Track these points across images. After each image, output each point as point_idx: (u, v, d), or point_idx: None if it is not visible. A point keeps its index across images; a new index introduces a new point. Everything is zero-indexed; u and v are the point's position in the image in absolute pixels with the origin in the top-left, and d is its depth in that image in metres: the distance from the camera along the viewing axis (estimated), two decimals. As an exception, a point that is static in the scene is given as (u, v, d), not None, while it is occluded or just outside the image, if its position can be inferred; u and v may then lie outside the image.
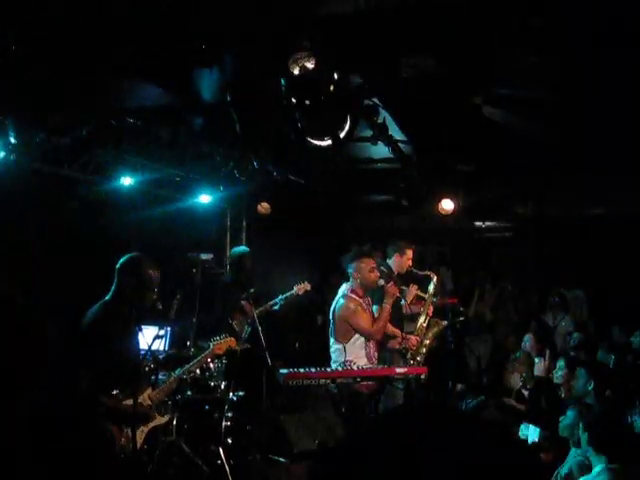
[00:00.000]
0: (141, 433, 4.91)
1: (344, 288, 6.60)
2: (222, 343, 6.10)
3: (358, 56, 4.44)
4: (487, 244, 13.84)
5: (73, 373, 4.52)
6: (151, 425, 5.07)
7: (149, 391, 5.07)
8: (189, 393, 7.15)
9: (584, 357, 7.88)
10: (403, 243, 7.64)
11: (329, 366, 6.45)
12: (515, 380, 8.12)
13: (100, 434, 4.59)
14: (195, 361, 5.81)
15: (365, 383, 6.04)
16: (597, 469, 4.17)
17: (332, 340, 6.55)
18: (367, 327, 6.38)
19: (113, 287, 5.02)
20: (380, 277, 6.60)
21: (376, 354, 6.57)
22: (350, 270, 6.54)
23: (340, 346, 6.41)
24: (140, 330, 5.00)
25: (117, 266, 5.06)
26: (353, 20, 4.17)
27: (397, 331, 7.14)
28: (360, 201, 10.91)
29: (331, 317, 6.57)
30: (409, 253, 7.61)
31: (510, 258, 14.54)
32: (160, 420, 5.19)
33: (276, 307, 8.16)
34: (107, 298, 4.99)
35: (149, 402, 5.04)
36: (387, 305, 6.50)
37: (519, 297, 11.64)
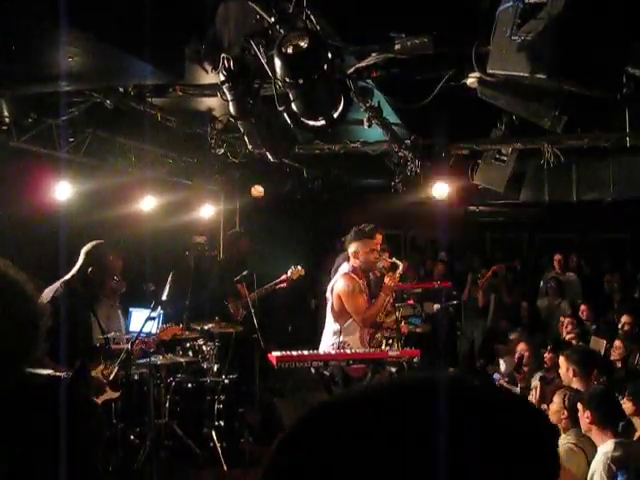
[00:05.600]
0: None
1: (344, 267, 6.52)
2: (167, 329, 6.24)
3: (352, 35, 4.41)
4: (481, 228, 13.86)
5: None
6: (103, 398, 5.26)
7: (101, 367, 5.27)
8: (182, 375, 7.17)
9: (577, 343, 7.90)
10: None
11: (318, 348, 6.44)
12: (507, 363, 8.13)
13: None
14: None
15: (357, 366, 6.04)
16: (608, 446, 4.15)
17: (329, 320, 6.47)
18: (359, 310, 6.29)
19: (75, 268, 5.30)
20: (380, 261, 6.51)
21: (368, 338, 6.52)
22: (351, 250, 6.45)
23: (337, 327, 6.33)
24: (94, 314, 5.45)
25: (83, 249, 5.33)
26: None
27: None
28: (353, 184, 10.88)
29: (329, 295, 6.47)
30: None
31: (504, 242, 14.58)
32: (112, 394, 5.36)
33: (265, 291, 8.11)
34: (67, 277, 5.23)
35: (100, 377, 5.24)
36: (383, 296, 6.36)
37: (512, 281, 11.66)
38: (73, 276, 5.30)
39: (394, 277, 6.40)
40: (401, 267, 6.57)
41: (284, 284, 8.15)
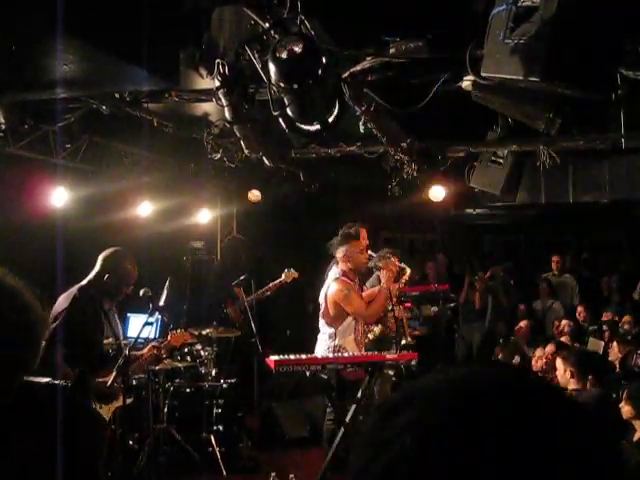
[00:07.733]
0: (107, 411, 5.15)
1: (335, 272, 6.55)
2: (179, 335, 6.18)
3: (347, 39, 4.42)
4: (478, 231, 13.88)
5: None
6: (114, 405, 5.24)
7: (114, 374, 5.21)
8: (180, 380, 7.17)
9: (571, 344, 7.92)
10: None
11: (313, 350, 6.46)
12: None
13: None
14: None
15: (352, 370, 6.05)
16: None
17: (322, 324, 6.50)
18: (361, 310, 6.34)
19: (92, 274, 5.26)
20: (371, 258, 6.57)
21: (363, 338, 6.55)
22: (339, 254, 6.49)
23: (331, 330, 6.37)
24: (106, 316, 5.30)
25: (101, 255, 5.27)
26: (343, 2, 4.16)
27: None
28: (350, 188, 10.88)
29: (322, 301, 6.50)
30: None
31: (501, 244, 14.61)
32: (119, 402, 5.31)
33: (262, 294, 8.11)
34: (83, 283, 5.20)
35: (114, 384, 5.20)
36: (384, 287, 6.43)
37: (510, 284, 11.67)
38: (89, 282, 5.27)
39: (392, 269, 6.47)
40: (408, 272, 6.68)
41: (277, 288, 8.17)
